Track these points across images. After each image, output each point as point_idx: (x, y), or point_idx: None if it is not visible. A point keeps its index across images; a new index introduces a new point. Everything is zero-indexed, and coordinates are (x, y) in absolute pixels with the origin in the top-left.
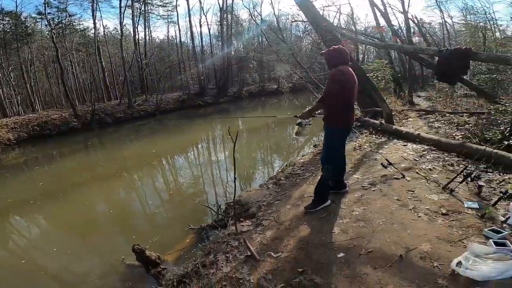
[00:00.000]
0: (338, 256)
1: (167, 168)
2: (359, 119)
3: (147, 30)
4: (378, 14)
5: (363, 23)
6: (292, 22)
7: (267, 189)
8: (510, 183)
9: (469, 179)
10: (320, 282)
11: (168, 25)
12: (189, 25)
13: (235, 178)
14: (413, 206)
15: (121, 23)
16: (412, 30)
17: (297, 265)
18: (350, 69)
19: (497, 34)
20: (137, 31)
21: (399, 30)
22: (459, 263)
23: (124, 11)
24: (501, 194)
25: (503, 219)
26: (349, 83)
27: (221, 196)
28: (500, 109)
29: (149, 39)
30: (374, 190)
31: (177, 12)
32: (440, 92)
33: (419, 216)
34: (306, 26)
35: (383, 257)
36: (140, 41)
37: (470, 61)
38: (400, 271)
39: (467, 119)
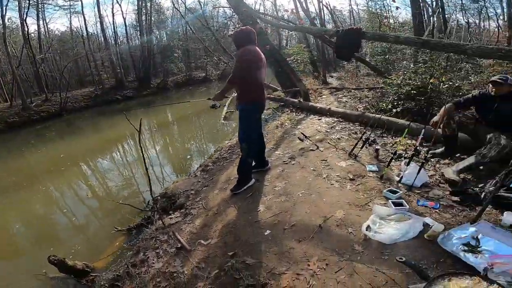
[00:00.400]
0: (265, 234)
1: (82, 171)
2: (281, 99)
3: (41, 22)
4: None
5: (287, 10)
6: (214, 8)
7: (195, 177)
8: (400, 145)
9: (367, 144)
10: (251, 263)
11: (71, 16)
12: (98, 15)
13: (147, 169)
14: (327, 174)
15: (2, 16)
16: (326, 18)
17: (228, 249)
18: (257, 48)
19: (391, 21)
20: (26, 24)
21: (316, 17)
22: (368, 227)
23: (7, 3)
24: (392, 155)
25: (398, 178)
26: (256, 62)
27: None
28: (388, 82)
29: (45, 31)
30: (293, 164)
31: (81, 1)
32: (347, 72)
33: (332, 184)
34: (231, 12)
35: (306, 229)
36: (32, 34)
37: (362, 40)
38: (321, 241)
39: (367, 93)
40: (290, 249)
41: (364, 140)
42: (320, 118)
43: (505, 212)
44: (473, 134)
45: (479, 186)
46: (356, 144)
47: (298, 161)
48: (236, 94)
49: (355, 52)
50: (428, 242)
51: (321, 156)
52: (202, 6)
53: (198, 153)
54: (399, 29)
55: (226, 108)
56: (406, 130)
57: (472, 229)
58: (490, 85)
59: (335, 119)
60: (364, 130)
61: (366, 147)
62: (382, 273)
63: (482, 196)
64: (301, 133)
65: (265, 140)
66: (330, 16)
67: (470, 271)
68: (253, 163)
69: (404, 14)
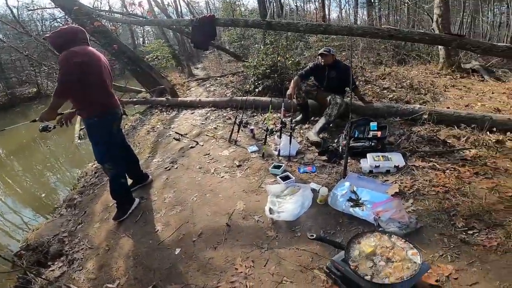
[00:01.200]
0: (176, 253)
1: None
2: (146, 100)
3: None
4: None
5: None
6: (29, 10)
7: (62, 217)
8: (268, 120)
9: (242, 126)
10: None
11: None
12: None
13: None
14: (214, 168)
15: None
16: (184, 10)
17: (143, 284)
18: (90, 48)
19: (242, 9)
20: None
21: (173, 11)
22: (270, 210)
23: None
24: (265, 132)
25: (276, 152)
26: (93, 64)
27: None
28: (246, 65)
29: None
30: (177, 168)
31: None
32: (211, 61)
33: (222, 177)
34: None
35: (215, 233)
36: None
37: (216, 27)
38: (235, 239)
39: (232, 79)
40: (209, 260)
41: (238, 123)
42: (193, 111)
43: (361, 160)
44: (317, 99)
45: (335, 141)
46: (233, 129)
47: (181, 163)
48: (75, 108)
49: (211, 40)
50: (323, 207)
51: (203, 150)
52: (15, 9)
53: (58, 187)
54: (248, 15)
55: (78, 125)
56: (270, 106)
57: (346, 183)
58: (319, 57)
59: (208, 109)
60: (236, 114)
61: (242, 130)
62: (303, 251)
63: (340, 150)
64: (176, 132)
65: (137, 150)
66: (187, 8)
67: (364, 224)
68: (130, 181)
69: (252, 2)
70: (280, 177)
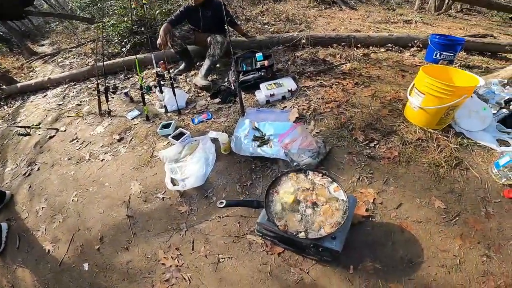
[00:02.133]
0: (86, 269)
1: None
2: None
3: None
4: None
5: None
6: None
7: None
8: (141, 78)
9: (112, 93)
10: None
11: None
12: None
13: None
14: (89, 153)
15: None
16: None
17: None
18: None
19: None
20: None
21: None
22: (173, 181)
23: None
24: (141, 91)
25: (163, 110)
26: None
27: None
28: (99, 26)
29: None
30: (38, 169)
31: None
32: (60, 34)
33: (102, 160)
34: None
35: (118, 231)
36: None
37: None
38: (147, 230)
39: (92, 46)
40: (128, 264)
41: (104, 91)
42: (44, 94)
43: (256, 93)
44: (197, 43)
45: (225, 80)
46: (99, 99)
47: (43, 162)
48: None
49: (25, 7)
50: (230, 156)
51: (68, 136)
52: None
53: None
54: None
55: None
56: (136, 63)
57: (246, 121)
58: None
59: (65, 86)
60: (101, 82)
61: (112, 97)
62: (227, 217)
63: (232, 87)
64: (21, 126)
65: None
66: None
67: (277, 163)
68: None
69: None
70: (173, 137)
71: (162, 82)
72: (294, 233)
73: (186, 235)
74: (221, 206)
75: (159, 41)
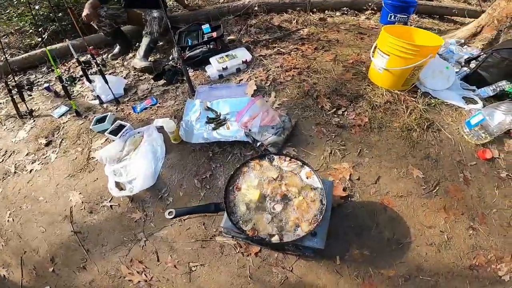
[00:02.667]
0: None
1: None
2: None
3: None
4: None
5: None
6: None
7: None
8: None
9: (27, 90)
10: None
11: None
12: None
13: None
14: (14, 164)
15: None
16: None
17: None
18: None
19: None
20: None
21: None
22: (118, 185)
23: None
24: (66, 83)
25: (97, 101)
26: None
27: None
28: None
29: None
30: None
31: None
32: None
33: (30, 171)
34: None
35: (69, 249)
36: None
37: None
38: (100, 244)
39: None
40: (92, 284)
41: (17, 89)
42: None
43: (206, 68)
44: (131, 21)
45: (170, 59)
46: (13, 98)
47: None
48: None
49: None
50: (181, 146)
51: None
52: None
53: None
54: None
55: None
56: (47, 53)
57: (196, 102)
58: None
59: None
60: (16, 79)
61: (31, 95)
62: (189, 220)
63: (178, 66)
64: None
65: None
66: None
67: (238, 146)
68: None
69: None
70: (111, 132)
71: (93, 70)
72: (266, 238)
73: (147, 245)
74: (170, 217)
75: (84, 13)
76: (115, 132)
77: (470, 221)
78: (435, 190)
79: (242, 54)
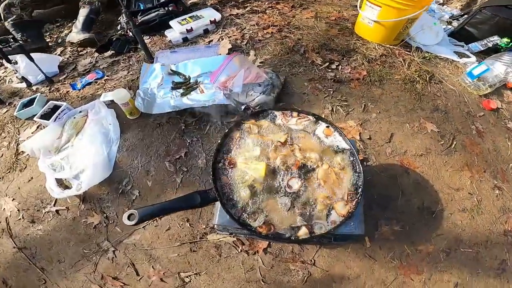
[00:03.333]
0: None
1: None
2: None
3: None
4: None
5: None
6: None
7: None
8: None
9: None
10: None
11: None
12: None
13: None
14: None
15: None
16: None
17: None
18: None
19: None
20: None
21: None
22: (60, 183)
23: None
24: None
25: (23, 84)
26: None
27: None
28: None
29: None
30: None
31: None
32: None
33: None
34: None
35: (20, 269)
36: None
37: None
38: (51, 265)
39: None
40: None
41: None
42: None
43: (166, 33)
44: None
45: (118, 28)
46: None
47: None
48: None
49: None
50: (141, 121)
51: None
52: None
53: None
54: None
55: None
56: None
57: (156, 66)
58: None
59: None
60: None
61: None
62: (167, 217)
63: (129, 34)
64: None
65: None
66: None
67: (216, 112)
68: None
69: None
70: (42, 116)
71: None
72: (289, 235)
73: (118, 256)
74: (132, 222)
75: None
76: (48, 116)
77: (493, 179)
78: (453, 146)
79: (209, 14)
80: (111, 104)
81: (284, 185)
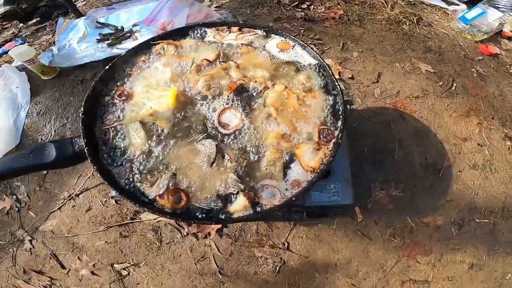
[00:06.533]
0: None
1: None
2: None
3: None
4: None
5: None
6: None
7: None
8: None
9: None
10: None
11: None
12: None
13: None
14: None
15: None
16: None
17: None
18: None
19: None
20: None
21: None
22: None
23: None
24: None
25: None
26: None
27: None
28: None
29: None
30: None
31: None
32: None
33: None
34: None
35: None
36: None
37: None
38: None
39: None
40: None
41: None
42: None
43: None
44: None
45: None
46: None
47: None
48: None
49: None
50: (58, 82)
51: None
52: None
53: None
54: None
55: None
56: None
57: (78, 22)
58: None
59: None
60: None
61: None
62: (86, 192)
63: None
64: None
65: None
66: None
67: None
68: None
69: None
70: None
71: None
72: (214, 212)
73: (36, 247)
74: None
75: None
76: None
77: (503, 127)
78: (454, 88)
79: None
80: (25, 67)
81: (213, 121)
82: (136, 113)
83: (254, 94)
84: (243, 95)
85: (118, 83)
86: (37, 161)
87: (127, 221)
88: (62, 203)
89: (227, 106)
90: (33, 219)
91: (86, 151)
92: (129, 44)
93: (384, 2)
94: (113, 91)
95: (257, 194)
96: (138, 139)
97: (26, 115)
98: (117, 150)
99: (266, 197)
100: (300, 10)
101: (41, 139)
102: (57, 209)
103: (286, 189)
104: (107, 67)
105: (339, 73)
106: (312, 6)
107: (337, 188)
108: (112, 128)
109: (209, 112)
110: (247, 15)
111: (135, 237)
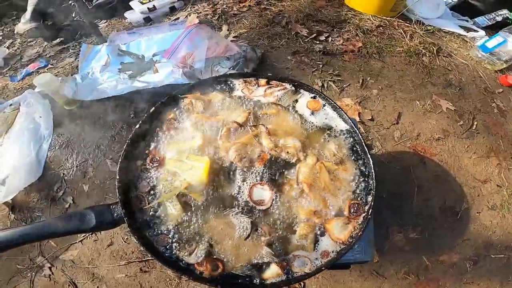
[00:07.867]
0: None
1: None
2: None
3: None
4: None
5: None
6: None
7: None
8: None
9: None
10: None
11: None
12: None
13: None
14: None
15: None
16: None
17: None
18: None
19: None
20: None
21: None
22: None
23: None
24: None
25: None
26: None
27: None
28: None
29: None
30: None
31: None
32: None
33: None
34: None
35: None
36: None
37: None
38: None
39: None
40: None
41: None
42: None
43: (126, 14)
44: None
45: (73, 15)
46: None
47: None
48: None
49: None
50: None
51: None
52: None
53: None
54: None
55: None
56: None
57: (100, 47)
58: None
59: None
60: None
61: None
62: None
63: (82, 20)
64: None
65: None
66: None
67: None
68: None
69: None
70: None
71: None
72: (249, 278)
73: (55, 274)
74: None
75: None
76: None
77: None
78: (474, 126)
79: None
80: (47, 95)
81: (244, 196)
82: (171, 184)
83: (287, 167)
84: (274, 168)
85: (150, 146)
86: (77, 226)
87: (147, 258)
88: (84, 236)
89: (258, 181)
90: (53, 248)
91: (126, 221)
92: (149, 77)
93: (403, 32)
94: (145, 156)
95: (289, 263)
96: (174, 211)
97: (48, 148)
98: (154, 218)
99: (297, 265)
100: (318, 42)
101: (63, 174)
102: (79, 241)
103: (316, 259)
104: (137, 126)
105: (359, 114)
106: (330, 38)
107: (361, 247)
108: (148, 198)
109: (241, 185)
110: (265, 46)
111: (154, 272)
